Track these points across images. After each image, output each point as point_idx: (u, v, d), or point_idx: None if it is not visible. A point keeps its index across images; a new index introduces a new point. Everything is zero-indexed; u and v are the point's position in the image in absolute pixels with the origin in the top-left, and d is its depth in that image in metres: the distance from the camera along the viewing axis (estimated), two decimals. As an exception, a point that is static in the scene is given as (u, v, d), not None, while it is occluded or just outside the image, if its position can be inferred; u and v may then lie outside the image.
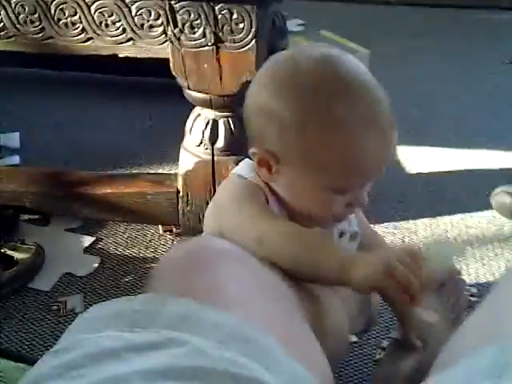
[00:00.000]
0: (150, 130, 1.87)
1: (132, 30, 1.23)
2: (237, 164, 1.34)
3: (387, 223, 1.51)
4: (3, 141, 1.80)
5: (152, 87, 2.00)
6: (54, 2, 1.23)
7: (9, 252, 1.34)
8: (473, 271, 1.34)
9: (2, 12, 1.26)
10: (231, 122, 1.34)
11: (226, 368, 0.42)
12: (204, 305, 0.48)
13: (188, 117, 1.37)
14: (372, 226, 1.52)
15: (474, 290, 1.24)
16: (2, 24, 1.27)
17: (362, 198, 0.83)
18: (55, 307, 1.27)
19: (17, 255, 1.33)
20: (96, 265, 1.38)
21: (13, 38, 1.29)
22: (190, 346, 0.43)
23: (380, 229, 1.46)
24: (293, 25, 2.40)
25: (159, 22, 1.21)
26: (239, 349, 0.45)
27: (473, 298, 1.16)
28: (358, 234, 0.95)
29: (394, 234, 1.48)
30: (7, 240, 1.38)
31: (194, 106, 1.36)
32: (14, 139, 1.81)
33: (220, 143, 1.34)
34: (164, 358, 0.42)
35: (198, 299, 0.49)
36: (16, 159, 1.72)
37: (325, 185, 0.79)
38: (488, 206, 1.53)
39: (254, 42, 1.20)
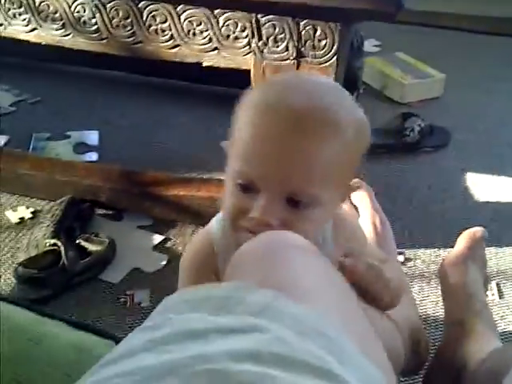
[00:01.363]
0: (222, 138, 1.92)
1: (218, 39, 1.29)
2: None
3: (450, 249, 1.51)
4: (83, 138, 1.89)
5: (228, 96, 2.06)
6: (147, 9, 1.30)
7: (83, 243, 1.40)
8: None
9: (98, 15, 1.33)
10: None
11: (304, 358, 0.45)
12: (284, 296, 0.51)
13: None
14: (436, 250, 1.54)
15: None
16: (96, 27, 1.34)
17: (257, 206, 0.74)
18: (122, 299, 1.32)
19: (91, 247, 1.40)
20: (164, 262, 1.43)
21: (105, 41, 1.36)
22: (271, 334, 0.46)
23: (444, 254, 1.46)
24: (369, 45, 2.42)
25: (244, 34, 1.26)
26: (316, 341, 0.47)
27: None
28: None
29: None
30: (82, 232, 1.45)
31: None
32: (93, 137, 1.89)
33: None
34: (248, 342, 0.45)
35: (275, 290, 0.52)
36: (94, 156, 1.80)
37: (229, 173, 0.77)
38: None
39: (334, 58, 1.24)
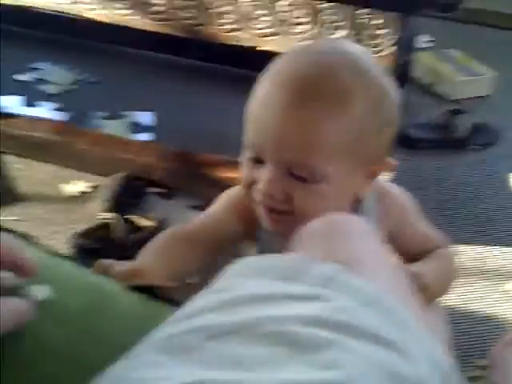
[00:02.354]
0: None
1: (276, 25, 1.32)
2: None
3: (494, 247, 1.52)
4: (138, 118, 1.94)
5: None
6: (210, -6, 1.34)
7: (134, 218, 1.45)
8: None
9: (162, -2, 1.38)
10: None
11: (368, 327, 0.46)
12: (347, 270, 0.53)
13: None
14: (482, 247, 1.53)
15: None
16: (160, 8, 1.39)
17: (261, 178, 0.75)
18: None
19: (142, 222, 1.45)
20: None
21: (168, 22, 1.40)
22: (337, 303, 0.48)
23: (488, 252, 1.47)
24: (421, 41, 2.41)
25: (304, 20, 1.29)
26: (379, 313, 0.49)
27: None
28: None
29: None
30: (136, 208, 1.50)
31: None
32: (148, 118, 1.94)
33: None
34: (314, 309, 0.47)
35: (339, 265, 0.54)
36: (149, 136, 1.85)
37: (245, 149, 0.77)
38: None
39: (393, 48, 1.26)
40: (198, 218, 0.88)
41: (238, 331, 0.46)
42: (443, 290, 0.82)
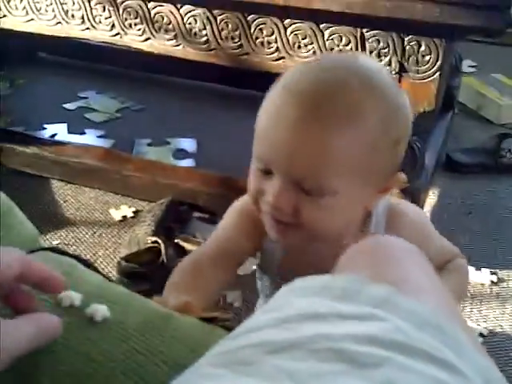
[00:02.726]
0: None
1: (322, 52, 1.33)
2: (401, 190, 1.41)
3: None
4: (182, 145, 1.97)
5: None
6: (255, 22, 1.36)
7: (181, 243, 1.47)
8: None
9: (208, 27, 1.40)
10: (402, 149, 1.39)
11: (423, 347, 0.46)
12: (398, 291, 0.53)
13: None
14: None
15: None
16: (206, 38, 1.41)
17: (270, 190, 0.74)
18: (216, 299, 1.37)
19: (187, 246, 1.46)
20: (254, 266, 1.46)
21: (213, 51, 1.43)
22: (391, 323, 0.48)
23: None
24: (465, 65, 2.40)
25: (349, 47, 1.30)
26: (432, 334, 0.49)
27: None
28: None
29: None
30: (180, 232, 1.52)
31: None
32: (191, 144, 1.97)
33: (388, 168, 1.39)
34: (368, 328, 0.48)
35: (389, 285, 0.55)
36: (192, 162, 1.88)
37: (253, 157, 0.78)
38: None
39: (437, 74, 1.25)
40: (213, 241, 0.89)
41: (296, 347, 0.46)
42: (459, 301, 0.82)
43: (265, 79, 1.60)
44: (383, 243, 0.67)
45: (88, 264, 0.64)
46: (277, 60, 1.38)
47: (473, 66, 2.52)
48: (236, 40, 1.39)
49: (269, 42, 1.36)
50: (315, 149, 0.71)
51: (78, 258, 0.67)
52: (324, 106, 0.71)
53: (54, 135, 1.98)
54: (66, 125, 2.05)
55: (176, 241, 1.47)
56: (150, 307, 0.60)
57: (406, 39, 1.24)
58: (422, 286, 0.59)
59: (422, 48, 1.24)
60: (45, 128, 2.02)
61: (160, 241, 1.41)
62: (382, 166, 0.75)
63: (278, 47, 1.36)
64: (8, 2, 1.54)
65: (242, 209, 0.89)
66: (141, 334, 0.56)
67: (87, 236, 1.57)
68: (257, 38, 1.37)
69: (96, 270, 0.63)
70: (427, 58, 1.24)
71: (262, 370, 0.44)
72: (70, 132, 2.01)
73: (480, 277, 1.46)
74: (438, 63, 1.24)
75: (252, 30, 1.37)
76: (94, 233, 1.58)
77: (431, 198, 1.73)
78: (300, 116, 0.71)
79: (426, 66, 1.25)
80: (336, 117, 0.71)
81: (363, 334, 0.47)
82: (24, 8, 1.53)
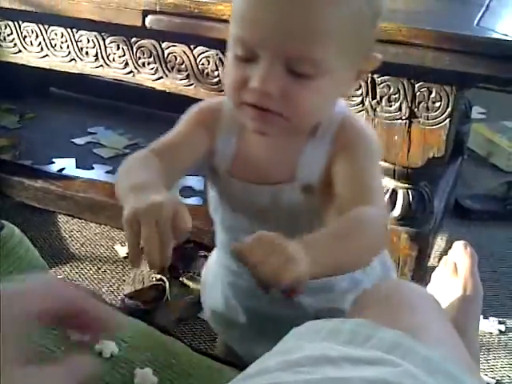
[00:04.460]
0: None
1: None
2: (410, 236, 1.40)
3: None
4: (189, 182, 1.97)
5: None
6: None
7: (186, 281, 1.46)
8: None
9: (220, 68, 1.42)
10: (410, 194, 1.38)
11: None
12: (411, 337, 0.53)
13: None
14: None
15: None
16: (218, 78, 1.42)
17: (256, 74, 0.70)
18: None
19: (192, 285, 1.45)
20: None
21: (222, 92, 1.44)
22: (402, 368, 0.48)
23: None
24: (474, 112, 2.41)
25: (359, 92, 1.30)
26: (444, 381, 0.49)
27: None
28: (314, 186, 0.81)
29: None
30: (185, 271, 1.51)
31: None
32: (198, 182, 1.97)
33: (396, 212, 1.39)
34: (380, 373, 0.47)
35: (402, 331, 0.54)
36: (198, 200, 1.88)
37: (229, 46, 0.73)
38: None
39: (447, 121, 1.26)
40: (165, 137, 0.86)
41: None
42: (336, 261, 0.63)
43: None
44: (398, 288, 0.66)
45: (96, 297, 0.63)
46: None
47: (482, 113, 2.53)
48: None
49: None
50: (306, 21, 0.67)
51: (85, 290, 0.66)
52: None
53: (62, 169, 1.98)
54: (74, 159, 2.05)
55: (181, 279, 1.46)
56: (163, 344, 0.60)
57: (416, 85, 1.25)
58: (435, 333, 0.59)
59: (433, 94, 1.24)
60: (53, 162, 2.02)
61: (165, 278, 1.40)
62: (364, 41, 0.75)
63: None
64: (24, 38, 1.56)
65: (197, 108, 0.88)
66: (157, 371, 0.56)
67: (91, 272, 1.56)
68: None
69: (105, 302, 0.63)
70: (437, 104, 1.25)
71: None
72: (78, 167, 2.02)
73: (488, 326, 1.44)
74: (448, 110, 1.25)
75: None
76: (99, 269, 1.57)
77: (440, 243, 1.71)
78: None
79: (436, 113, 1.25)
80: None
81: (375, 378, 0.47)
82: (39, 44, 1.55)
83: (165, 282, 1.40)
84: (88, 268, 1.58)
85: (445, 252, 1.71)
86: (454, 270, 1.14)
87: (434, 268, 1.61)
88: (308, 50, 0.68)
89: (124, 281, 1.52)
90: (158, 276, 1.42)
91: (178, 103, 1.96)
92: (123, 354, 0.54)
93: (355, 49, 0.73)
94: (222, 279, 0.99)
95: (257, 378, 0.49)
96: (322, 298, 0.88)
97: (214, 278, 1.03)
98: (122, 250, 1.63)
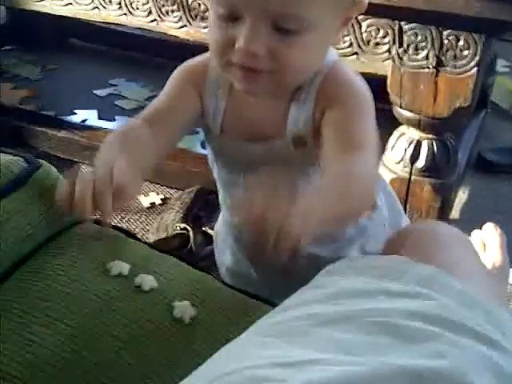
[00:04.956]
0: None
1: (358, 45, 1.32)
2: (433, 187, 1.40)
3: None
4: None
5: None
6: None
7: (209, 231, 1.47)
8: None
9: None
10: (435, 145, 1.38)
11: (470, 325, 0.47)
12: (445, 272, 0.54)
13: (389, 135, 1.43)
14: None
15: None
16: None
17: (241, 35, 0.68)
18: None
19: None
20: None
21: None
22: (438, 301, 0.49)
23: None
24: (499, 65, 2.38)
25: (386, 40, 1.29)
26: (479, 313, 0.50)
27: None
28: (305, 138, 0.81)
29: None
30: (208, 220, 1.52)
31: (398, 125, 1.42)
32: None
33: (420, 164, 1.39)
34: (416, 305, 0.48)
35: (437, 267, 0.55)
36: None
37: (212, 6, 0.72)
38: None
39: (475, 69, 1.24)
40: (155, 102, 0.84)
41: (345, 320, 0.47)
42: (332, 212, 0.62)
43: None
44: (433, 227, 0.67)
45: (133, 235, 0.64)
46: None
47: (507, 66, 2.49)
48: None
49: (305, 33, 1.36)
50: None
51: (121, 229, 0.67)
52: None
53: (84, 120, 1.99)
54: (96, 111, 2.06)
55: (204, 229, 1.48)
56: (195, 278, 0.61)
57: (444, 33, 1.23)
58: (469, 270, 0.60)
59: (461, 42, 1.22)
60: (75, 113, 2.03)
61: (189, 228, 1.42)
62: None
63: (314, 38, 1.36)
64: (46, -14, 1.55)
65: (183, 68, 0.86)
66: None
67: (116, 221, 1.58)
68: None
69: (141, 240, 0.64)
70: (465, 52, 1.23)
71: (314, 341, 0.44)
72: (100, 118, 2.02)
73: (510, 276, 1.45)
74: (476, 58, 1.23)
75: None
76: (123, 218, 1.59)
77: (461, 196, 1.71)
78: None
79: (464, 61, 1.24)
80: None
81: (412, 310, 0.48)
82: (62, -8, 1.54)
83: (188, 231, 1.41)
84: (112, 217, 1.59)
85: (466, 205, 1.71)
86: (482, 247, 1.15)
87: (455, 221, 1.62)
88: (292, 6, 0.66)
89: (148, 230, 1.54)
90: (182, 225, 1.44)
91: (202, 54, 1.97)
92: (161, 287, 0.55)
93: (340, 2, 0.71)
94: (228, 235, 0.99)
95: (295, 309, 0.50)
96: (329, 247, 0.86)
97: (222, 234, 1.04)
98: (146, 201, 1.64)
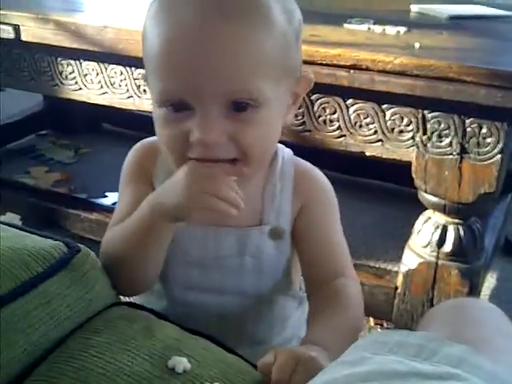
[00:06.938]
0: (374, 226, 1.96)
1: (383, 132, 1.36)
2: (460, 271, 1.40)
3: None
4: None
5: (379, 190, 2.12)
6: (318, 101, 1.41)
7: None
8: None
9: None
10: (461, 229, 1.39)
11: None
12: (477, 352, 0.54)
13: (415, 220, 1.45)
14: None
15: None
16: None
17: (195, 126, 0.64)
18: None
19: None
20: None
21: (277, 128, 1.48)
22: (470, 382, 0.49)
23: None
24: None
25: (410, 128, 1.33)
26: None
27: None
28: (284, 232, 0.80)
29: None
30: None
31: (423, 210, 1.43)
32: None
33: (447, 248, 1.39)
34: (448, 387, 0.49)
35: (468, 346, 0.55)
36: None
37: (154, 102, 0.69)
38: None
39: (498, 156, 1.27)
40: (117, 210, 0.86)
41: None
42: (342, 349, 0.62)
43: (329, 157, 1.64)
44: (464, 304, 0.68)
45: (162, 317, 0.66)
46: (338, 138, 1.42)
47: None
48: (299, 117, 1.44)
49: (331, 121, 1.41)
50: (235, 56, 0.63)
51: (152, 311, 0.69)
52: (230, 6, 0.63)
53: (115, 203, 2.03)
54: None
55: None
56: (227, 361, 0.62)
57: (467, 121, 1.27)
58: (501, 347, 0.60)
59: (484, 130, 1.26)
60: (106, 196, 2.08)
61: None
62: (293, 63, 0.72)
63: (339, 125, 1.40)
64: (84, 76, 1.63)
65: (132, 159, 0.87)
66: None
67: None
68: (320, 116, 1.42)
69: (170, 321, 0.66)
70: (488, 140, 1.26)
71: None
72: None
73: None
74: (500, 146, 1.26)
75: (315, 109, 1.42)
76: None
77: (490, 281, 1.70)
78: (205, 18, 0.62)
79: (487, 149, 1.27)
80: (243, 9, 0.64)
81: None
82: (99, 82, 1.62)
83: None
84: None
85: (495, 289, 1.70)
86: None
87: (484, 305, 1.60)
88: (243, 85, 0.65)
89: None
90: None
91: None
92: (194, 369, 0.56)
93: (287, 72, 0.71)
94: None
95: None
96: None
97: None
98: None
